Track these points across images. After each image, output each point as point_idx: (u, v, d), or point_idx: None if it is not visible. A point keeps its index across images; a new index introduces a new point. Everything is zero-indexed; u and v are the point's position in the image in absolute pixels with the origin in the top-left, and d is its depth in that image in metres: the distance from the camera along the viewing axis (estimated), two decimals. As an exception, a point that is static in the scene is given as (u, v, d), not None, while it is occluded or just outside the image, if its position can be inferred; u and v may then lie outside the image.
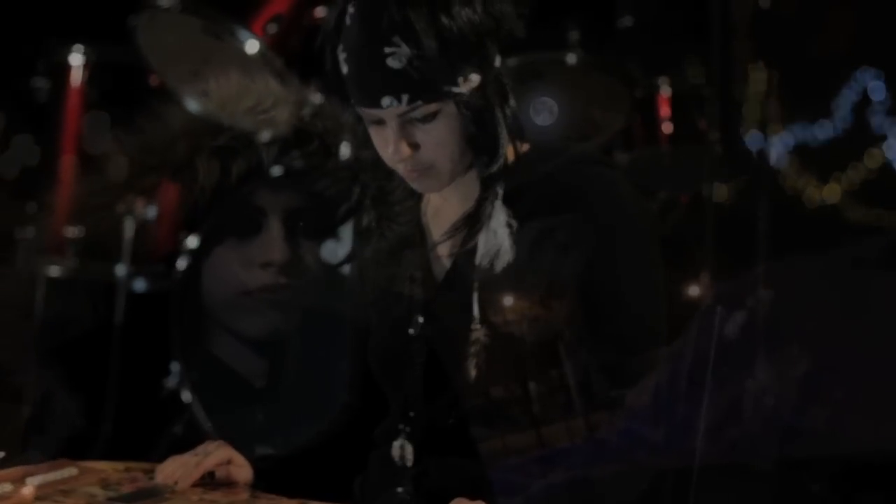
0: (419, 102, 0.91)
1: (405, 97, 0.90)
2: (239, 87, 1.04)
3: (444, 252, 1.01)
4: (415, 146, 0.93)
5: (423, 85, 0.90)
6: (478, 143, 0.95)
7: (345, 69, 0.91)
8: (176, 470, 0.91)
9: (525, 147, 1.01)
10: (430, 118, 0.92)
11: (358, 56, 0.90)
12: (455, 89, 0.91)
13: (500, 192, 0.97)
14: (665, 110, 1.96)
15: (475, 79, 0.91)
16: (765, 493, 0.98)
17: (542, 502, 0.96)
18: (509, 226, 0.95)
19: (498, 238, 0.95)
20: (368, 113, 0.93)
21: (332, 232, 1.02)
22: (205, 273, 1.04)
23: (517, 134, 0.99)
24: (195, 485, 0.91)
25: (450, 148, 0.94)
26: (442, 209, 1.03)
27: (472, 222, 0.97)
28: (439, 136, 0.93)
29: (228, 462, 0.94)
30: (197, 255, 1.02)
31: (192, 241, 0.93)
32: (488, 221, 0.96)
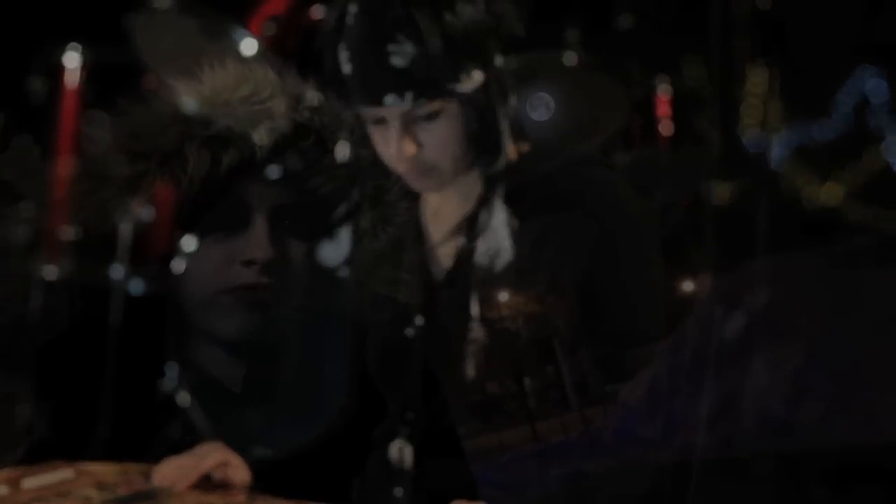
0: (423, 100, 0.90)
1: (409, 95, 0.90)
2: (236, 75, 1.00)
3: (443, 252, 1.01)
4: (418, 145, 0.93)
5: (427, 83, 0.89)
6: (480, 142, 0.95)
7: (346, 68, 0.91)
8: (173, 472, 0.91)
9: (526, 147, 1.01)
10: (433, 117, 0.92)
11: (361, 54, 0.90)
12: (458, 87, 0.91)
13: (502, 191, 0.96)
14: (665, 110, 1.96)
15: (478, 77, 0.91)
16: (760, 489, 0.98)
17: (542, 499, 0.96)
18: (509, 225, 0.95)
19: (498, 237, 0.95)
20: (371, 112, 0.93)
21: (324, 232, 0.99)
22: (186, 269, 1.00)
23: (518, 133, 0.99)
24: (192, 487, 0.90)
25: (452, 147, 0.94)
26: (441, 209, 1.02)
27: (473, 224, 0.97)
28: (442, 136, 0.93)
29: (225, 464, 0.93)
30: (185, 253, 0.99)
31: (188, 243, 0.91)
32: (489, 221, 0.95)
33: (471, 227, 0.97)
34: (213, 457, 0.94)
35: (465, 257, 0.97)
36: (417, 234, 1.02)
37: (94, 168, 0.95)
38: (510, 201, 0.95)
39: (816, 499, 1.01)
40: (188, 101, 0.96)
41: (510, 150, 0.97)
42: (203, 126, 0.99)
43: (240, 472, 0.96)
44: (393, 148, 0.91)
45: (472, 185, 0.97)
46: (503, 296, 0.93)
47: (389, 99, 0.89)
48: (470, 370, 0.95)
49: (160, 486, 0.92)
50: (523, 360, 1.01)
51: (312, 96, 1.01)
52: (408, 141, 0.91)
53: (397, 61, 0.88)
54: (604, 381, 1.05)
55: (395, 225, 1.00)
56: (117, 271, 0.85)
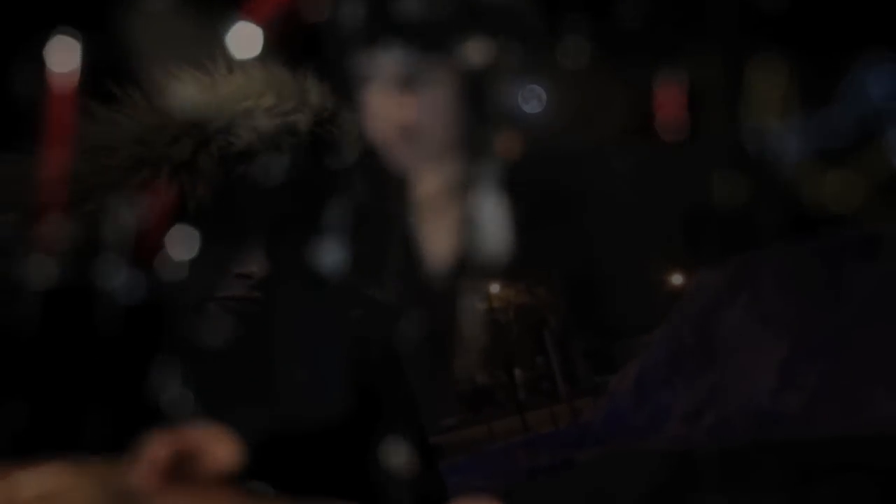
0: (422, 58, 0.89)
1: (409, 51, 0.88)
2: (260, 81, 0.94)
3: (435, 244, 1.01)
4: (411, 108, 0.91)
5: (429, 42, 0.88)
6: (476, 120, 0.94)
7: (346, 20, 0.89)
8: (152, 447, 0.89)
9: (525, 138, 1.01)
10: (429, 81, 0.90)
11: (363, 4, 0.87)
12: (460, 56, 0.89)
13: (497, 182, 0.96)
14: (669, 106, 1.97)
15: (482, 51, 0.90)
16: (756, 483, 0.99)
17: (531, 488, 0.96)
18: (503, 217, 0.95)
19: (492, 229, 0.95)
20: (365, 67, 0.91)
21: (321, 242, 0.96)
22: (178, 274, 0.95)
23: (518, 123, 0.99)
24: (188, 486, 0.90)
25: (445, 118, 0.92)
26: (433, 199, 1.03)
27: (466, 214, 0.97)
28: (437, 102, 0.91)
29: (211, 444, 0.92)
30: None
31: (185, 249, 0.89)
32: (482, 212, 0.96)
33: (463, 217, 0.96)
34: (196, 434, 0.92)
35: (457, 248, 0.97)
36: (408, 228, 1.01)
37: (90, 170, 0.89)
38: (506, 192, 0.95)
39: (805, 493, 1.03)
40: (201, 106, 0.90)
41: (508, 138, 0.97)
42: (223, 138, 0.89)
43: (226, 448, 0.94)
44: (384, 110, 0.89)
45: (466, 173, 0.97)
46: (495, 287, 0.94)
47: (389, 52, 0.86)
48: (462, 362, 0.96)
49: (158, 486, 0.92)
50: (514, 352, 1.02)
51: (331, 107, 0.96)
52: (402, 101, 0.89)
53: (401, 16, 0.85)
54: (593, 372, 1.05)
55: (383, 226, 0.99)
56: (112, 273, 0.85)
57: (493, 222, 0.98)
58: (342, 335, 0.99)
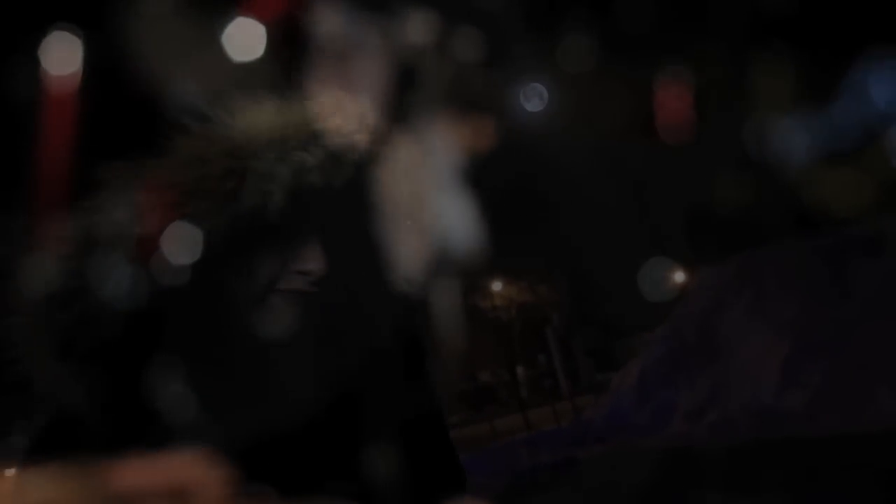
0: (362, 20, 0.89)
1: (351, 11, 0.88)
2: (328, 107, 0.99)
3: (410, 240, 1.01)
4: (346, 77, 0.92)
5: (371, 4, 0.88)
6: (404, 96, 0.94)
7: None
8: (135, 471, 0.89)
9: (500, 128, 1.01)
10: (365, 46, 0.90)
11: None
12: (401, 28, 0.90)
13: (467, 177, 0.96)
14: (673, 106, 1.96)
15: (424, 28, 0.90)
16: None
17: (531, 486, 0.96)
18: (475, 213, 0.95)
19: (464, 227, 0.95)
20: (314, 26, 0.92)
21: (365, 242, 1.01)
22: (238, 268, 0.99)
23: (492, 111, 0.99)
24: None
25: (377, 92, 0.93)
26: (400, 189, 1.03)
27: (437, 208, 0.97)
28: (368, 70, 0.92)
29: (196, 477, 0.92)
30: (224, 255, 0.98)
31: (189, 251, 0.90)
32: (452, 204, 0.95)
33: (434, 216, 0.96)
34: (184, 465, 0.92)
35: (429, 248, 0.97)
36: (381, 227, 1.01)
37: (186, 178, 0.93)
38: (477, 186, 0.95)
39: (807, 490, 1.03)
40: (281, 126, 0.96)
41: (475, 126, 0.97)
42: (298, 154, 0.98)
43: (211, 477, 0.94)
44: (324, 73, 0.90)
45: (430, 167, 0.97)
46: (497, 285, 0.93)
47: (333, 8, 0.86)
48: (457, 364, 0.95)
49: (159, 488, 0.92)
50: (516, 350, 1.02)
51: (385, 126, 1.01)
52: (337, 69, 0.90)
53: None
54: (596, 370, 1.05)
55: (373, 224, 1.00)
56: (116, 273, 0.85)
57: (464, 220, 0.98)
58: (381, 326, 1.00)
